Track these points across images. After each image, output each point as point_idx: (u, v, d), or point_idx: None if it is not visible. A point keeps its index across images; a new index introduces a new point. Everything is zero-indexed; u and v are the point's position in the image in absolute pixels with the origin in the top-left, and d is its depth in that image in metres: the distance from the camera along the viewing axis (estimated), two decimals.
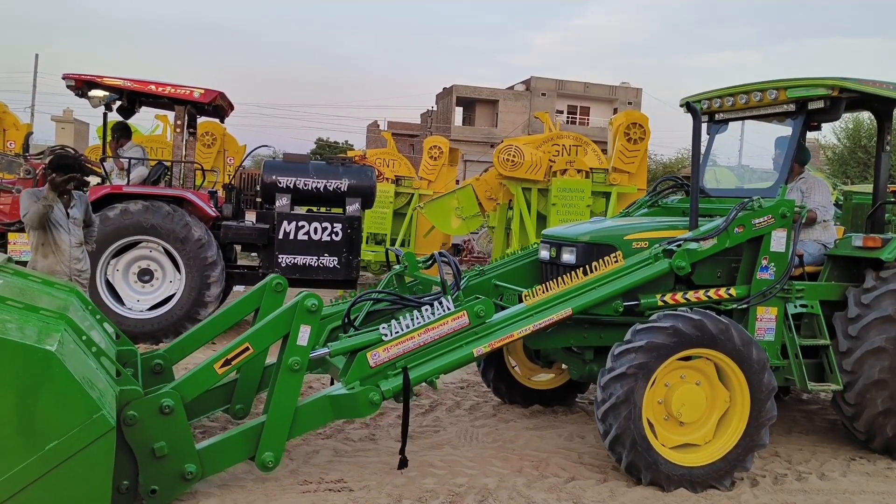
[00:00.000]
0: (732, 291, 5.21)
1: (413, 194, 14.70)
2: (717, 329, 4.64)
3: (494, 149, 12.91)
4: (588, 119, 51.18)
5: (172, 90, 8.61)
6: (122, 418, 3.89)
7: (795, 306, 5.36)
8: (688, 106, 5.56)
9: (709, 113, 6.26)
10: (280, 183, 9.03)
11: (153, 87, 8.59)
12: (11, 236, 8.81)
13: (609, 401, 4.50)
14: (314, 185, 9.11)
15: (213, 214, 8.77)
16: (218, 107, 9.21)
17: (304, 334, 4.43)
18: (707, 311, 4.81)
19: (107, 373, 3.97)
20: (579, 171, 11.45)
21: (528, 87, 50.63)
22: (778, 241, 5.21)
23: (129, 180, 8.71)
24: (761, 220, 5.17)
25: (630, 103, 49.62)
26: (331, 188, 9.19)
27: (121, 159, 8.98)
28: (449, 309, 4.68)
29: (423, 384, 4.63)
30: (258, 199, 10.05)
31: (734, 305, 5.20)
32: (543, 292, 4.92)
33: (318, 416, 4.49)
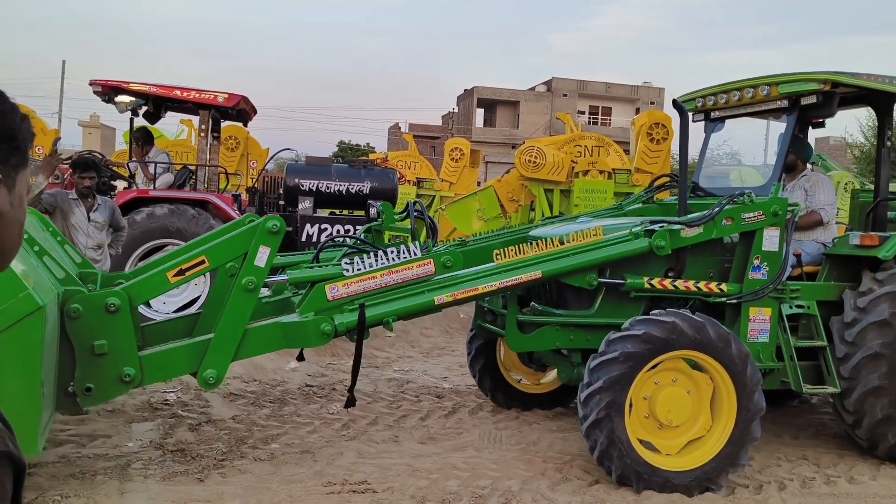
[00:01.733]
0: (724, 287, 5.12)
1: (434, 196, 14.73)
2: (692, 329, 4.57)
3: (516, 150, 12.88)
4: (610, 119, 50.83)
5: (197, 95, 8.69)
6: (65, 311, 3.92)
7: (791, 307, 5.25)
8: (674, 103, 5.50)
9: (703, 111, 6.19)
10: (303, 186, 9.09)
11: (178, 92, 8.68)
12: None
13: (591, 416, 4.45)
14: (336, 188, 9.17)
15: (237, 217, 8.83)
16: (241, 111, 9.28)
17: (262, 255, 4.39)
18: (681, 311, 4.75)
19: (49, 271, 4.01)
20: (602, 171, 11.40)
21: (550, 88, 50.43)
22: (770, 239, 5.12)
23: (154, 184, 8.81)
24: (751, 215, 5.08)
25: (652, 103, 49.22)
26: (353, 191, 9.24)
27: (147, 165, 9.08)
28: (415, 254, 4.66)
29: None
30: (281, 202, 10.14)
31: (723, 300, 5.11)
32: (517, 254, 4.90)
33: (267, 341, 4.45)
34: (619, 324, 4.71)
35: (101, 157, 10.07)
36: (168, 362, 4.32)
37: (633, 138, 11.65)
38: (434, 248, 4.80)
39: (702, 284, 5.08)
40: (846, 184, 11.51)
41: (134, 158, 9.23)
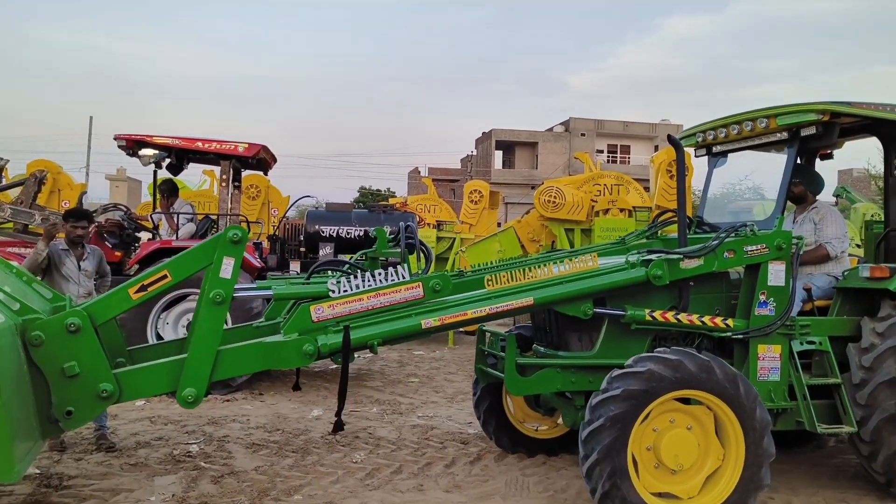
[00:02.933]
0: (730, 322, 5.01)
1: (455, 238, 14.72)
2: (698, 367, 4.45)
3: (535, 191, 12.89)
4: (629, 157, 50.92)
5: (218, 146, 8.83)
6: (27, 341, 3.93)
7: (802, 343, 5.10)
8: (669, 139, 5.46)
9: (705, 146, 6.14)
10: (323, 232, 9.14)
11: (199, 143, 8.82)
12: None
13: (591, 457, 4.33)
14: (356, 233, 9.20)
15: (259, 265, 8.89)
16: (261, 160, 9.41)
17: (227, 266, 4.34)
18: (687, 350, 4.65)
19: (2, 304, 3.97)
20: (622, 209, 11.35)
21: (567, 128, 50.76)
22: (776, 274, 5.00)
23: (178, 235, 8.91)
24: (754, 248, 4.99)
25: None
26: (373, 235, 9.23)
27: (171, 216, 9.21)
28: (403, 277, 4.60)
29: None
30: (302, 249, 10.18)
31: (729, 335, 5.00)
32: (509, 281, 4.83)
33: (248, 360, 4.42)
34: (622, 364, 4.61)
35: (125, 209, 10.25)
36: (146, 379, 4.31)
37: (653, 175, 11.61)
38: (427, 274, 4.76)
39: (707, 319, 4.98)
40: (872, 215, 11.32)
41: (158, 210, 9.37)
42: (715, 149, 6.13)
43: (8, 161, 8.96)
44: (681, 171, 5.37)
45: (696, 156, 6.44)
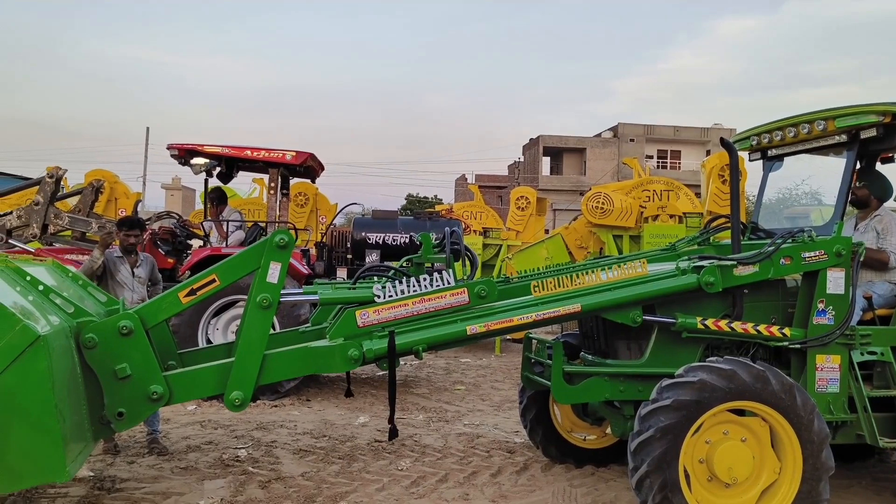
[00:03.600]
0: (787, 331, 4.83)
1: (501, 245, 14.63)
2: (752, 377, 4.30)
3: (583, 197, 12.73)
4: (679, 163, 50.03)
5: (266, 154, 8.96)
6: (81, 343, 4.05)
7: (862, 354, 4.88)
8: (722, 142, 5.30)
9: (760, 149, 5.94)
10: (369, 239, 9.19)
11: (249, 152, 8.97)
12: None
13: (641, 468, 4.20)
14: (402, 240, 9.22)
15: (306, 272, 8.97)
16: (309, 168, 9.51)
17: (273, 271, 4.39)
18: (741, 359, 4.50)
19: (57, 307, 4.09)
20: (672, 216, 11.12)
21: (616, 134, 50.15)
22: (835, 282, 4.82)
23: (227, 242, 9.06)
24: (812, 254, 4.81)
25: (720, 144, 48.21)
26: (419, 242, 9.24)
27: (220, 223, 9.37)
28: (448, 283, 4.54)
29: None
30: (349, 256, 10.25)
31: (785, 344, 4.82)
32: (556, 287, 4.74)
33: (294, 364, 4.46)
34: (672, 373, 4.49)
35: (178, 216, 10.48)
36: (195, 382, 4.41)
37: (705, 181, 11.36)
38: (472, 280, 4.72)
39: (762, 328, 4.82)
40: None
41: (209, 217, 9.54)
42: (770, 152, 5.95)
43: (66, 171, 9.24)
44: (734, 175, 5.22)
45: (750, 160, 6.26)
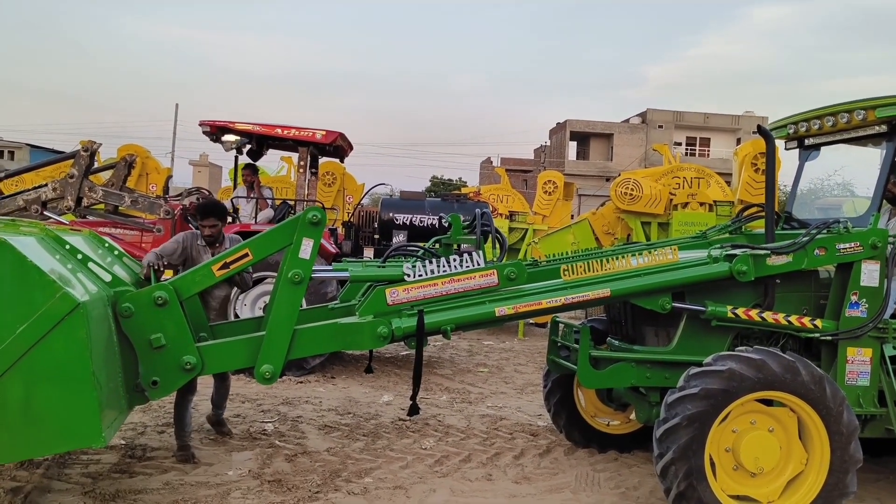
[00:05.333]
0: (818, 323, 4.79)
1: (527, 230, 14.59)
2: (782, 368, 4.27)
3: (609, 183, 12.63)
4: (708, 150, 49.37)
5: (297, 132, 9.01)
6: (118, 312, 4.13)
7: (894, 347, 4.83)
8: (759, 129, 5.22)
9: (796, 138, 5.84)
10: (397, 220, 9.22)
11: (279, 130, 9.02)
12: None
13: (666, 455, 4.20)
14: (430, 222, 9.24)
15: (334, 251, 9.03)
16: (338, 147, 9.54)
17: (306, 247, 4.44)
18: (770, 349, 4.47)
19: (95, 276, 4.16)
20: (702, 203, 11.00)
21: (644, 120, 49.59)
22: (869, 274, 4.76)
23: (256, 219, 9.14)
24: (847, 245, 4.75)
25: (754, 132, 47.51)
26: (446, 224, 9.25)
27: (263, 199, 9.44)
28: (478, 264, 4.55)
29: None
30: (376, 236, 10.29)
31: (817, 336, 4.78)
32: (585, 271, 4.75)
33: (323, 340, 4.52)
34: (700, 361, 4.47)
35: (207, 192, 10.58)
36: (227, 354, 4.48)
37: (737, 169, 11.21)
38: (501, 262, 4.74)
39: (793, 318, 4.78)
40: None
41: (252, 193, 9.57)
42: (807, 141, 5.86)
43: (100, 145, 9.37)
44: (770, 163, 5.16)
45: (786, 148, 6.17)
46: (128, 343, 4.22)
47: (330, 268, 5.22)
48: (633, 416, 6.02)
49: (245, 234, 8.58)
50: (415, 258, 5.06)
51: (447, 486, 5.03)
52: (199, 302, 4.97)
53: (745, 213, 6.09)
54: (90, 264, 4.22)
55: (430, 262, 4.61)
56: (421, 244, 5.66)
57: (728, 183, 12.25)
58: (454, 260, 4.61)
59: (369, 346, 4.52)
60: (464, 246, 5.48)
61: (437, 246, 5.55)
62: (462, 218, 5.55)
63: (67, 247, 4.14)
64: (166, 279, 4.71)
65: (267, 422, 6.34)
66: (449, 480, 5.15)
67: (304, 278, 4.43)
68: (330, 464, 5.32)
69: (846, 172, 9.25)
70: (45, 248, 3.86)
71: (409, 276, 4.55)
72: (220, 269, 4.54)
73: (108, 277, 4.31)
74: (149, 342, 4.24)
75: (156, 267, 4.93)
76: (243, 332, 4.88)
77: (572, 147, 52.13)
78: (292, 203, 9.69)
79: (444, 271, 4.58)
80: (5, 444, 3.56)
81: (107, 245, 5.03)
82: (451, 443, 6.03)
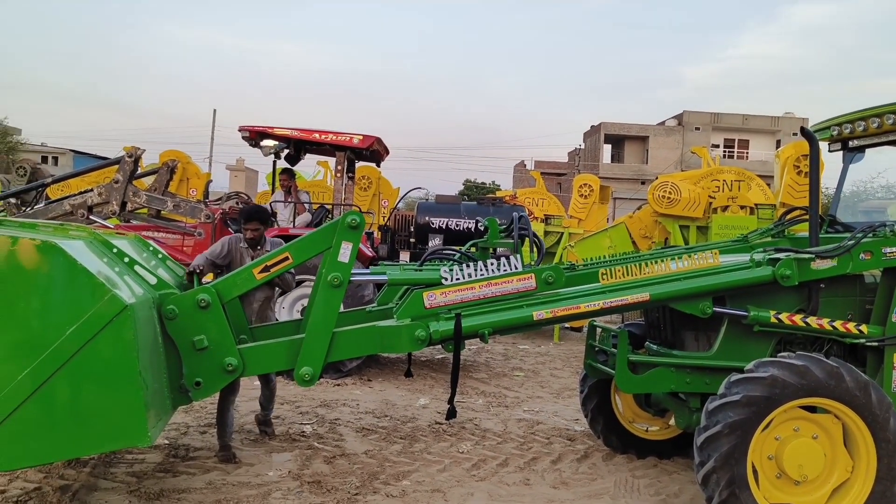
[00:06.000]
0: (864, 328, 4.68)
1: (563, 233, 14.51)
2: (825, 374, 4.18)
3: (645, 186, 12.52)
4: (747, 153, 48.54)
5: (334, 137, 9.09)
6: (163, 314, 4.22)
7: None
8: (802, 131, 5.12)
9: (840, 140, 5.70)
10: (433, 223, 9.25)
11: (317, 135, 9.11)
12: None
13: (708, 464, 4.13)
14: (465, 225, 9.25)
15: (370, 255, 9.09)
16: (375, 151, 9.60)
17: (345, 250, 4.48)
18: (814, 355, 4.37)
19: (141, 278, 4.24)
20: (743, 207, 10.83)
21: (681, 122, 48.95)
22: None
23: (294, 223, 9.25)
24: (893, 249, 4.66)
25: (795, 134, 46.54)
26: (482, 228, 9.24)
27: (300, 203, 9.56)
28: (516, 268, 4.53)
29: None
30: (412, 240, 10.34)
31: (862, 342, 4.68)
32: (624, 275, 4.70)
33: (361, 343, 4.55)
34: (741, 367, 4.40)
35: (246, 196, 10.73)
36: (267, 356, 4.54)
37: (778, 171, 11.01)
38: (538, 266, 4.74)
39: (838, 324, 4.70)
40: None
41: (290, 198, 9.69)
42: (851, 143, 5.74)
43: (144, 151, 9.57)
44: (814, 165, 5.07)
45: (829, 150, 6.06)
46: (172, 344, 4.31)
47: (368, 271, 5.26)
48: (672, 421, 5.94)
49: (283, 238, 8.72)
50: (452, 262, 5.08)
51: (485, 490, 5.03)
52: (239, 305, 5.05)
53: (788, 217, 5.98)
54: (136, 267, 4.32)
55: (468, 266, 4.61)
56: (457, 248, 5.68)
57: (769, 185, 12.04)
58: (491, 264, 4.61)
59: (407, 350, 4.55)
60: (500, 250, 5.49)
61: (473, 249, 5.56)
62: (499, 221, 5.56)
63: (114, 250, 4.24)
64: (207, 282, 4.79)
65: (305, 423, 6.40)
66: (486, 484, 5.14)
67: (342, 281, 4.48)
68: (368, 466, 5.36)
69: (891, 175, 9.01)
70: (93, 252, 3.95)
71: (446, 279, 4.57)
72: (261, 272, 4.61)
73: (153, 280, 4.40)
74: (192, 344, 4.32)
75: (198, 270, 5.02)
76: (282, 335, 4.96)
77: (607, 150, 51.69)
78: (329, 207, 9.78)
79: (481, 275, 4.59)
80: (54, 443, 3.64)
81: (151, 248, 5.14)
82: (487, 447, 6.02)
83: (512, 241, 5.23)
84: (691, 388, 4.91)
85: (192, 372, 4.35)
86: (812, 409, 4.34)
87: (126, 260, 4.29)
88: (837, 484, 4.32)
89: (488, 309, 4.57)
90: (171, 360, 4.28)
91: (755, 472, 4.23)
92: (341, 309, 4.73)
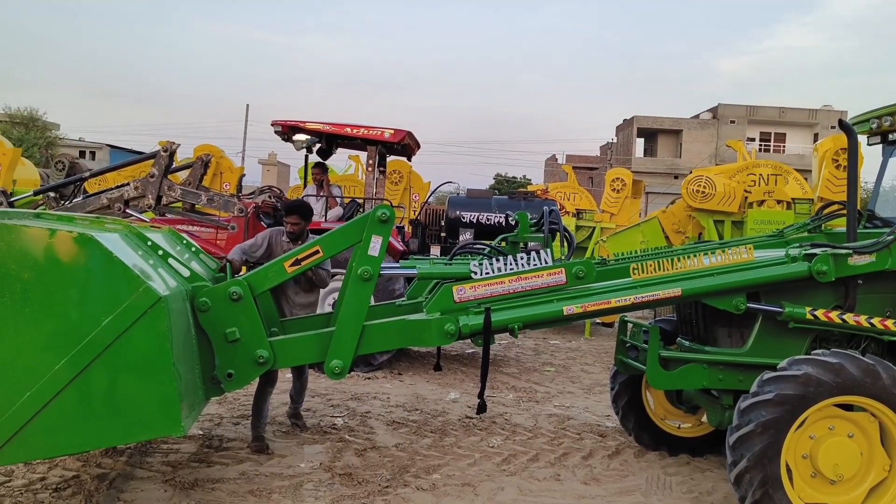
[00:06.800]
0: None
1: (594, 228, 14.39)
2: (861, 371, 4.09)
3: (678, 180, 12.36)
4: (783, 146, 47.62)
5: (366, 132, 9.12)
6: (196, 306, 4.25)
7: None
8: (840, 124, 4.99)
9: (880, 133, 5.54)
10: (464, 218, 9.23)
11: (349, 129, 9.15)
12: None
13: (740, 463, 4.07)
14: (497, 220, 9.21)
15: (401, 248, 9.11)
16: (406, 146, 9.61)
17: (375, 244, 4.49)
18: (848, 352, 4.26)
19: (174, 271, 4.27)
20: (779, 201, 10.62)
21: (715, 115, 48.19)
22: None
23: (326, 217, 9.31)
24: None
25: (833, 127, 45.54)
26: (512, 222, 9.21)
27: (332, 197, 9.62)
28: (546, 262, 4.49)
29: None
30: (442, 234, 10.34)
31: None
32: (655, 270, 4.63)
33: (391, 336, 4.55)
34: (775, 364, 4.31)
35: (279, 191, 10.83)
36: (298, 349, 4.58)
37: (816, 165, 10.78)
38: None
39: (876, 321, 4.57)
40: None
41: (322, 192, 9.76)
42: (891, 136, 5.60)
43: (179, 145, 9.69)
44: (853, 159, 4.96)
45: (868, 143, 5.92)
46: (205, 336, 4.37)
47: (398, 265, 5.27)
48: (704, 418, 5.87)
49: (315, 232, 8.77)
50: (482, 255, 5.06)
51: (515, 484, 5.02)
52: (271, 298, 5.09)
53: (826, 211, 5.86)
54: (170, 260, 4.38)
55: (497, 260, 4.59)
56: (487, 242, 5.66)
57: (806, 180, 11.80)
58: (521, 258, 4.59)
59: (436, 343, 4.55)
60: (531, 244, 5.45)
61: (503, 244, 5.53)
62: (529, 216, 5.52)
63: (149, 243, 4.31)
64: (241, 275, 4.84)
65: (337, 416, 6.45)
66: (517, 479, 5.13)
67: (372, 275, 4.49)
68: (399, 459, 5.38)
69: None
70: (128, 244, 4.00)
71: (475, 273, 4.55)
72: (292, 265, 4.64)
73: (186, 273, 4.46)
74: (224, 336, 4.37)
75: (235, 262, 5.06)
76: (313, 328, 4.98)
77: (639, 144, 51.10)
78: (361, 201, 9.82)
79: (511, 269, 4.56)
80: (91, 432, 3.71)
81: (185, 242, 5.20)
82: (518, 441, 6.01)
83: (542, 235, 5.20)
84: (724, 385, 4.84)
85: (225, 363, 4.40)
86: (848, 406, 4.25)
87: (160, 252, 4.35)
88: (875, 483, 4.23)
89: (518, 303, 4.55)
90: (203, 352, 4.34)
91: (789, 471, 4.16)
92: (371, 302, 4.75)
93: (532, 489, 4.96)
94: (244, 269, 5.61)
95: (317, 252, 4.66)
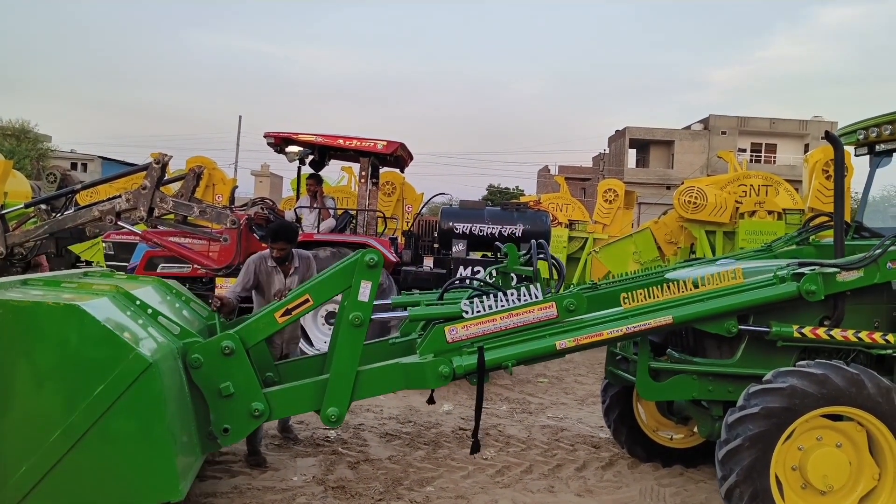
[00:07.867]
0: (890, 338, 4.56)
1: (587, 238, 14.44)
2: (846, 381, 4.10)
3: (670, 191, 12.42)
4: (774, 157, 47.93)
5: (358, 143, 9.15)
6: (188, 363, 4.19)
7: None
8: (827, 135, 5.02)
9: (867, 144, 5.59)
10: (457, 229, 9.24)
11: (341, 141, 9.17)
12: (219, 281, 9.68)
13: (730, 478, 4.07)
14: (489, 231, 9.24)
15: (394, 260, 9.12)
16: (399, 157, 9.64)
17: (364, 290, 4.45)
18: (833, 362, 4.28)
19: (165, 329, 4.23)
20: (770, 212, 10.69)
21: (707, 126, 48.49)
22: None
23: (318, 228, 9.31)
24: None
25: (823, 138, 45.85)
26: (506, 233, 9.26)
27: (325, 209, 9.63)
28: (536, 297, 4.48)
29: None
30: (435, 245, 10.35)
31: (889, 351, 4.58)
32: (646, 298, 4.59)
33: (387, 381, 4.50)
34: (764, 375, 4.33)
35: (271, 202, 10.82)
36: (293, 399, 4.52)
37: (807, 176, 10.86)
38: (559, 291, 4.67)
39: (863, 335, 4.58)
40: None
41: (315, 203, 9.77)
42: (878, 147, 5.65)
43: (171, 157, 9.68)
44: (839, 170, 5.00)
45: (856, 155, 5.97)
46: (199, 392, 4.30)
47: (389, 302, 5.27)
48: (696, 429, 5.87)
49: (308, 244, 8.78)
50: (473, 292, 5.05)
51: (509, 496, 5.01)
52: (263, 343, 5.02)
53: (813, 223, 5.89)
54: (160, 318, 4.35)
55: (488, 297, 4.58)
56: (478, 278, 5.66)
57: (797, 190, 11.88)
58: (512, 294, 4.57)
59: (432, 386, 4.48)
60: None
61: (493, 275, 5.54)
62: (518, 250, 5.55)
63: (138, 302, 4.30)
64: (232, 329, 4.71)
65: (329, 429, 6.42)
66: (510, 491, 5.12)
67: (364, 321, 4.46)
68: (392, 472, 5.36)
69: None
70: (117, 307, 4.00)
71: (467, 312, 4.53)
72: (283, 315, 4.59)
73: (176, 330, 4.41)
74: (218, 391, 4.31)
75: (230, 302, 5.09)
76: (307, 371, 4.97)
77: (631, 155, 51.34)
78: (354, 213, 9.83)
79: (502, 306, 4.55)
80: (87, 502, 3.68)
81: (174, 291, 5.19)
82: (511, 453, 6.00)
83: (532, 269, 5.20)
84: (714, 395, 4.84)
85: (220, 418, 4.34)
86: (835, 417, 4.26)
87: (149, 311, 4.32)
88: (865, 492, 4.25)
89: (511, 340, 4.52)
90: (198, 408, 4.27)
91: (780, 483, 4.17)
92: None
93: (526, 501, 4.95)
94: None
95: (307, 301, 4.62)
